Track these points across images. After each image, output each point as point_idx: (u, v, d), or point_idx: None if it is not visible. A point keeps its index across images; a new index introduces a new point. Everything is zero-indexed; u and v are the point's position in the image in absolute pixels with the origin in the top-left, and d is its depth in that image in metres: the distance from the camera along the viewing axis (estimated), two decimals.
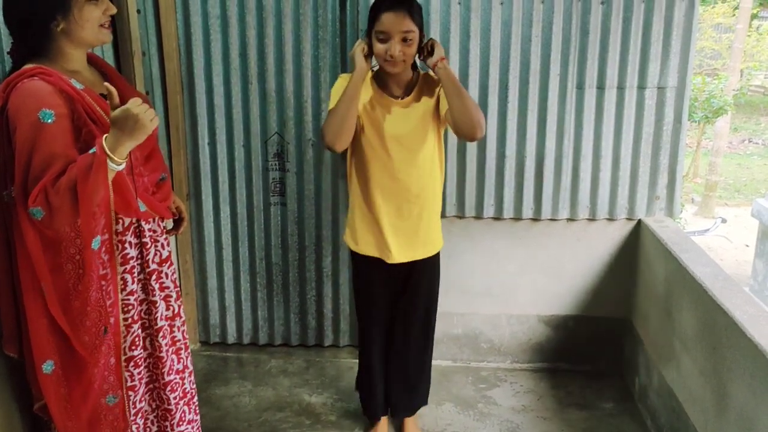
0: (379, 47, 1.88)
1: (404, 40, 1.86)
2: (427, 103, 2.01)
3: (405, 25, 1.85)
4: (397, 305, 2.18)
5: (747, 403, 1.69)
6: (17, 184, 1.47)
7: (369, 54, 1.93)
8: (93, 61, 1.70)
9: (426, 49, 1.94)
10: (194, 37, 2.56)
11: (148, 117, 1.43)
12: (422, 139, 2.01)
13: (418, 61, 2.02)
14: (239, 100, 2.64)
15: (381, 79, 2.02)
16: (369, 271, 2.14)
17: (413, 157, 2.00)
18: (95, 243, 1.55)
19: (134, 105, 1.41)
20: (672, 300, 2.27)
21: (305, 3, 2.50)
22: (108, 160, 1.43)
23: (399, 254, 2.07)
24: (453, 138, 2.58)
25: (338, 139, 1.91)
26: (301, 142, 2.67)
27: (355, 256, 2.16)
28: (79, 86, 1.53)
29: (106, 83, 1.43)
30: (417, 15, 1.88)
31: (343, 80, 2.00)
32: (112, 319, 1.63)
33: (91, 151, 1.45)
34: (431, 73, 1.97)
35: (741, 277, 5.12)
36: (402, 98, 2.01)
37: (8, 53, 1.58)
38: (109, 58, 2.38)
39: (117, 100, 1.43)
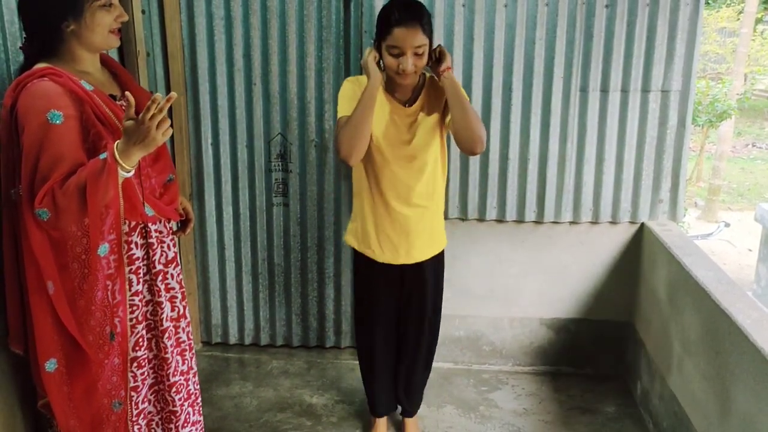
0: (390, 61, 1.87)
1: (416, 53, 1.85)
2: (433, 108, 2.01)
3: (417, 39, 1.83)
4: (406, 306, 2.18)
5: (750, 407, 1.68)
6: (24, 185, 1.47)
7: (379, 61, 1.92)
8: (105, 62, 1.71)
9: (434, 55, 1.93)
10: (198, 38, 2.57)
11: (161, 130, 1.43)
12: (428, 145, 2.01)
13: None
14: (243, 101, 2.64)
15: (388, 84, 2.00)
16: (373, 270, 2.13)
17: (420, 162, 2.01)
18: (102, 250, 1.56)
19: (147, 117, 1.40)
20: (675, 304, 2.26)
21: (309, 4, 2.51)
22: (118, 167, 1.44)
23: (406, 256, 2.08)
24: None
25: (355, 151, 1.89)
26: (304, 143, 2.67)
27: (357, 256, 2.16)
28: (88, 87, 1.54)
29: (126, 93, 1.43)
30: (427, 25, 1.87)
31: (350, 84, 2.00)
32: (117, 320, 1.63)
33: (101, 157, 1.45)
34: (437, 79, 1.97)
35: (744, 282, 5.11)
36: (410, 105, 2.01)
37: (20, 48, 1.59)
38: (114, 58, 2.38)
39: (133, 110, 1.43)
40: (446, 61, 1.91)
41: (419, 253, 2.09)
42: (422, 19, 1.84)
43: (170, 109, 2.61)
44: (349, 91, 1.97)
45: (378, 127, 1.97)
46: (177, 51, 2.57)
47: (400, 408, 2.37)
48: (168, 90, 2.61)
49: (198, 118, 2.66)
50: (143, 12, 2.52)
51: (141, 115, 1.40)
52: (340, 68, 2.58)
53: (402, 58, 1.85)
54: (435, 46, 1.95)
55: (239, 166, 2.72)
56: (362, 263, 2.15)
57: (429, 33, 1.88)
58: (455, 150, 2.59)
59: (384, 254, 2.08)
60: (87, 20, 1.52)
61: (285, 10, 2.53)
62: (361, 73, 2.06)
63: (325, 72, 2.58)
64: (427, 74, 2.06)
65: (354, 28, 2.54)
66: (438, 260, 2.18)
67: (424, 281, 2.15)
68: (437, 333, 2.29)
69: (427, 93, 2.02)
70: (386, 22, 1.85)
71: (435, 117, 2.00)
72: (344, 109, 1.95)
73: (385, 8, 1.90)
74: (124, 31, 2.42)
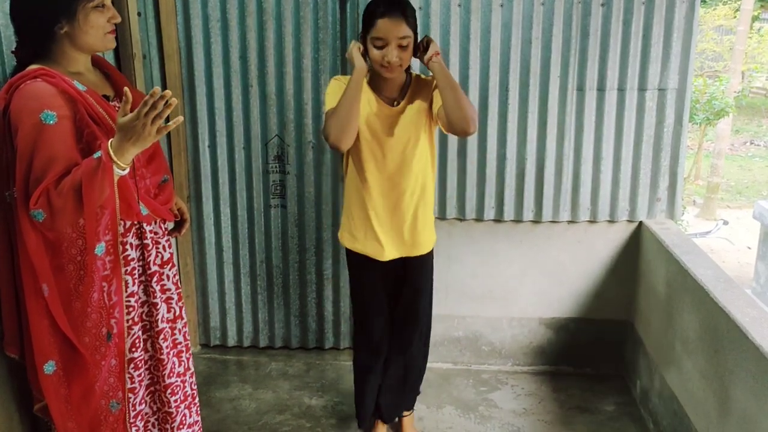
0: (375, 53, 1.89)
1: (400, 45, 1.87)
2: (420, 105, 2.01)
3: (401, 30, 1.85)
4: (396, 306, 2.18)
5: (749, 406, 1.68)
6: (18, 186, 1.47)
7: (364, 55, 1.93)
8: (97, 62, 1.70)
9: (421, 46, 1.94)
10: (195, 40, 2.56)
11: (155, 126, 1.42)
12: (416, 141, 2.02)
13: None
14: (240, 103, 2.64)
15: (375, 83, 2.01)
16: (365, 268, 2.14)
17: (408, 159, 2.02)
18: (98, 250, 1.55)
19: (141, 113, 1.39)
20: (673, 302, 2.26)
21: (305, 6, 2.51)
22: (113, 165, 1.44)
23: (392, 252, 2.09)
24: (454, 141, 2.57)
25: (343, 136, 1.89)
26: (302, 144, 2.67)
27: (350, 253, 2.17)
28: (81, 87, 1.54)
29: (125, 88, 1.43)
30: (411, 18, 1.89)
31: (337, 82, 2.01)
32: (113, 321, 1.63)
33: (95, 155, 1.45)
34: (422, 76, 1.98)
35: (743, 280, 5.11)
36: (397, 103, 2.02)
37: (12, 52, 1.59)
38: (110, 61, 2.37)
39: (129, 106, 1.42)
40: (433, 47, 1.92)
41: (405, 250, 2.10)
42: (406, 11, 1.87)
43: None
44: (336, 87, 1.98)
45: (364, 125, 1.98)
46: (173, 53, 2.57)
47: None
48: None
49: (195, 120, 2.66)
50: (139, 14, 2.51)
51: (137, 109, 1.39)
52: (337, 70, 2.58)
53: (386, 49, 1.86)
54: (422, 37, 1.96)
55: (236, 167, 2.72)
56: (353, 259, 2.17)
57: (413, 26, 1.90)
58: (453, 150, 2.59)
59: (368, 249, 2.09)
60: (80, 22, 1.52)
61: (281, 12, 2.52)
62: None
63: (321, 73, 2.58)
64: (413, 73, 2.06)
65: (350, 29, 2.53)
66: (426, 261, 2.17)
67: (412, 281, 2.15)
68: (428, 337, 2.27)
69: (414, 91, 2.03)
70: (371, 15, 1.88)
71: (423, 112, 2.01)
72: (331, 103, 1.96)
73: (369, 3, 1.93)
74: (120, 34, 2.41)
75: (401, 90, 2.02)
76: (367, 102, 1.99)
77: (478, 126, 1.95)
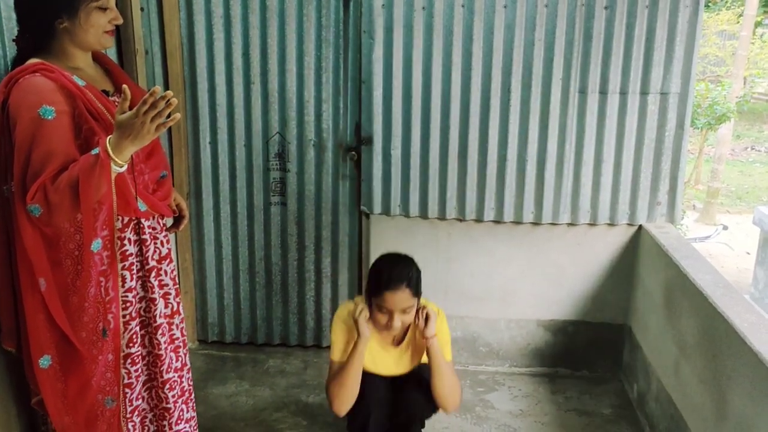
0: (379, 318, 1.97)
1: (403, 311, 1.94)
2: (421, 340, 2.07)
3: (405, 302, 1.94)
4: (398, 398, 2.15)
5: (746, 411, 1.68)
6: (16, 180, 1.47)
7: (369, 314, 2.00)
8: (97, 58, 1.70)
9: (418, 317, 2.01)
10: (197, 36, 2.56)
11: (155, 124, 1.42)
12: (417, 362, 2.12)
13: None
14: (241, 100, 2.64)
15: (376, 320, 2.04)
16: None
17: (408, 371, 2.13)
18: (95, 245, 1.55)
19: (141, 111, 1.39)
20: (672, 306, 2.26)
21: (308, 3, 2.50)
22: (110, 162, 1.43)
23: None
24: (455, 139, 2.57)
25: (345, 407, 1.98)
26: (303, 142, 2.67)
27: None
28: (81, 83, 1.54)
29: (124, 86, 1.43)
30: (415, 285, 1.97)
31: (342, 325, 2.05)
32: (110, 316, 1.63)
33: (93, 152, 1.45)
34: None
35: (741, 285, 5.11)
36: (397, 344, 2.10)
37: (13, 41, 1.59)
38: (112, 56, 2.37)
39: (128, 104, 1.42)
40: (431, 329, 1.99)
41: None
42: (410, 282, 1.95)
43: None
44: (340, 334, 2.05)
45: (368, 361, 2.05)
46: (176, 49, 2.57)
47: None
48: (166, 88, 2.60)
49: (196, 116, 2.66)
50: (142, 10, 2.51)
51: (137, 107, 1.39)
52: (339, 68, 2.58)
53: (391, 321, 1.95)
54: (422, 308, 2.02)
55: (237, 164, 2.71)
56: None
57: (417, 291, 1.99)
58: (453, 150, 2.59)
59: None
60: (81, 20, 1.52)
61: (284, 9, 2.52)
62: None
63: (324, 72, 2.58)
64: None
65: (353, 27, 2.53)
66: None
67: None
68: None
69: (414, 328, 2.09)
70: (377, 283, 1.95)
71: (421, 347, 2.08)
72: (335, 352, 2.05)
73: (376, 265, 2.02)
74: (123, 30, 2.41)
75: (404, 329, 2.08)
76: (369, 351, 2.04)
77: (458, 405, 2.08)
